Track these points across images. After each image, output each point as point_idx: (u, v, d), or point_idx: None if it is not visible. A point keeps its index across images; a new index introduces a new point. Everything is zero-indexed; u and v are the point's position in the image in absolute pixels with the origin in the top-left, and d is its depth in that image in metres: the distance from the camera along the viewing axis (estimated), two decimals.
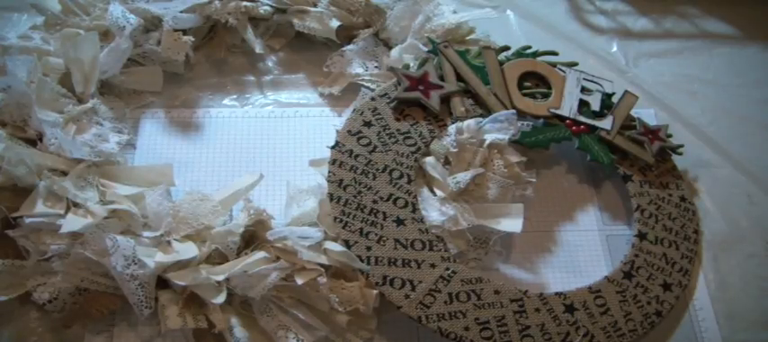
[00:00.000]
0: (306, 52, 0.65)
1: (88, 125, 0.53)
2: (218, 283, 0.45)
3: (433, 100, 0.55)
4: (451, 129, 0.54)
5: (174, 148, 0.57)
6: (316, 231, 0.48)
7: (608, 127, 0.58)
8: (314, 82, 0.63)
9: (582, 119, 0.58)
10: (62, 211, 0.46)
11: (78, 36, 0.54)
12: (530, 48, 0.62)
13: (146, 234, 0.47)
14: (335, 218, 0.49)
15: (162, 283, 0.46)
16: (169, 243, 0.47)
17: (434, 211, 0.50)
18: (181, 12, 0.58)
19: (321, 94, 0.62)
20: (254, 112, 0.60)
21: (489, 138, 0.53)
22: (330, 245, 0.47)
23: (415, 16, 0.62)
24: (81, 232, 0.45)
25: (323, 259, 0.46)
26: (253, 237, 0.48)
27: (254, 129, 0.59)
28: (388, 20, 0.62)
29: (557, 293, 0.49)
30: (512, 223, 0.51)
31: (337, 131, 0.54)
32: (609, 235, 0.56)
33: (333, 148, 0.52)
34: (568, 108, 0.58)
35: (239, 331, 0.45)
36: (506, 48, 0.62)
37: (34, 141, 0.50)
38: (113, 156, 0.52)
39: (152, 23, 0.59)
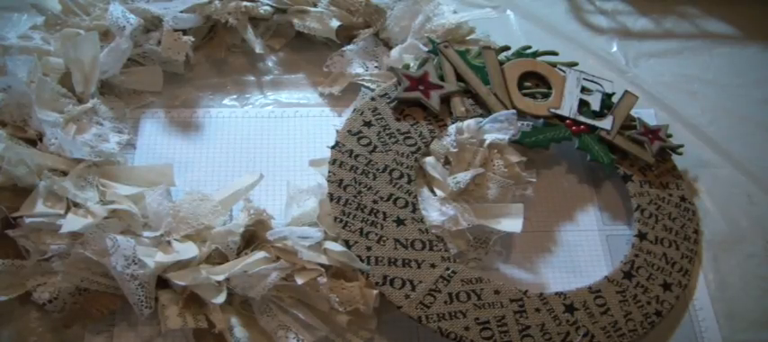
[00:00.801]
0: (306, 52, 0.65)
1: (88, 125, 0.53)
2: (219, 282, 0.45)
3: (434, 100, 0.55)
4: (451, 129, 0.54)
5: (174, 148, 0.57)
6: (316, 231, 0.48)
7: (608, 127, 0.58)
8: (314, 82, 0.63)
9: (582, 119, 0.58)
10: (62, 211, 0.46)
11: (78, 36, 0.54)
12: (530, 48, 0.62)
13: (146, 234, 0.47)
14: (335, 218, 0.49)
15: (162, 283, 0.46)
16: (169, 243, 0.47)
17: (434, 211, 0.50)
18: (181, 12, 0.58)
19: (321, 94, 0.62)
20: (254, 112, 0.60)
21: (489, 138, 0.53)
22: (330, 245, 0.47)
23: (415, 16, 0.62)
24: (81, 232, 0.45)
25: (323, 259, 0.46)
26: (253, 237, 0.48)
27: (255, 129, 0.59)
28: (388, 20, 0.62)
29: (557, 293, 0.49)
30: (512, 223, 0.51)
31: (337, 131, 0.54)
32: (609, 235, 0.56)
33: (333, 148, 0.52)
34: (568, 108, 0.58)
35: (239, 331, 0.45)
36: (506, 48, 0.62)
37: (34, 141, 0.50)
38: (113, 156, 0.52)
39: (152, 23, 0.59)
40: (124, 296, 0.44)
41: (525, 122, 0.57)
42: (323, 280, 0.45)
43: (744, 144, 0.63)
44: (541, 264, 0.54)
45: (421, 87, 0.56)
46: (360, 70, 0.61)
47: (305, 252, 0.46)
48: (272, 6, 0.62)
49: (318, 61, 0.62)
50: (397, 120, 0.55)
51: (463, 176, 0.51)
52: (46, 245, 0.45)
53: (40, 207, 0.46)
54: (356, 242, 0.48)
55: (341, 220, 0.48)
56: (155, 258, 0.44)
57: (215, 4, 0.60)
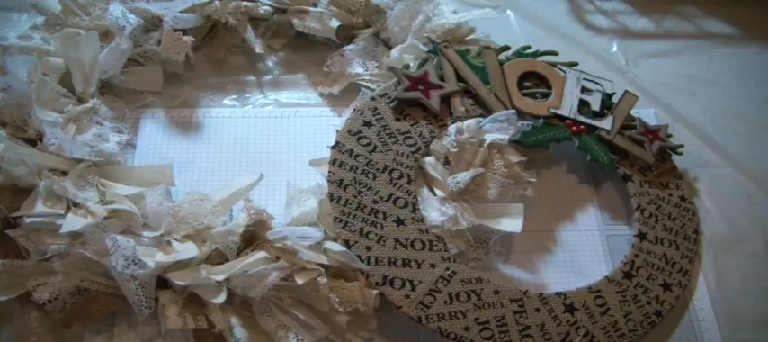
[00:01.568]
0: (306, 52, 0.65)
1: (88, 125, 0.53)
2: (219, 283, 0.45)
3: (433, 100, 0.55)
4: (451, 129, 0.54)
5: (174, 148, 0.57)
6: (316, 231, 0.48)
7: (608, 127, 0.58)
8: (314, 82, 0.63)
9: (582, 119, 0.58)
10: (62, 211, 0.46)
11: (78, 36, 0.54)
12: (530, 48, 0.62)
13: (146, 234, 0.47)
14: (335, 218, 0.49)
15: (162, 283, 0.46)
16: (169, 243, 0.47)
17: (434, 211, 0.50)
18: (181, 12, 0.58)
19: (321, 94, 0.62)
20: (254, 112, 0.60)
21: (489, 138, 0.53)
22: (330, 245, 0.47)
23: (415, 16, 0.62)
24: (81, 232, 0.45)
25: (323, 259, 0.46)
26: (253, 237, 0.48)
27: (255, 129, 0.59)
28: (388, 20, 0.62)
29: (557, 293, 0.49)
30: (512, 223, 0.51)
31: (337, 131, 0.54)
32: (609, 235, 0.56)
33: (333, 147, 0.52)
34: (568, 108, 0.58)
35: (239, 331, 0.45)
36: (506, 48, 0.62)
37: (34, 141, 0.50)
38: (113, 156, 0.52)
39: (152, 23, 0.59)
40: (124, 296, 0.44)
41: (525, 122, 0.57)
42: (323, 280, 0.45)
43: (744, 144, 0.63)
44: (541, 264, 0.54)
45: (421, 87, 0.56)
46: (360, 70, 0.61)
47: (305, 252, 0.46)
48: (272, 6, 0.62)
49: (318, 61, 0.62)
50: (397, 120, 0.55)
51: (463, 176, 0.51)
52: (46, 245, 0.45)
53: (40, 207, 0.46)
54: (356, 242, 0.48)
55: (341, 220, 0.48)
56: (155, 258, 0.44)
57: (215, 4, 0.60)
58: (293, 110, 0.60)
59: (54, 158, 0.49)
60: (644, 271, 0.51)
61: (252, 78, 0.63)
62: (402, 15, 0.62)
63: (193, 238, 0.47)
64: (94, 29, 0.56)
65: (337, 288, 0.46)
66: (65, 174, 0.49)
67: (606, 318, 0.49)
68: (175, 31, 0.57)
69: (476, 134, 0.53)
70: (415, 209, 0.50)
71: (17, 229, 0.46)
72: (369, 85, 0.60)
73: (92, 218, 0.46)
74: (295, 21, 0.62)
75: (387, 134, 0.54)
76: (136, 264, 0.44)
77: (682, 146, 0.59)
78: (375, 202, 0.50)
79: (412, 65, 0.59)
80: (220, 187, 0.52)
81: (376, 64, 0.61)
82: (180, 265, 0.46)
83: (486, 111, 0.56)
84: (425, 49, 0.60)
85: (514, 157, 0.54)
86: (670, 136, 0.60)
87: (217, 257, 0.47)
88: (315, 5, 0.62)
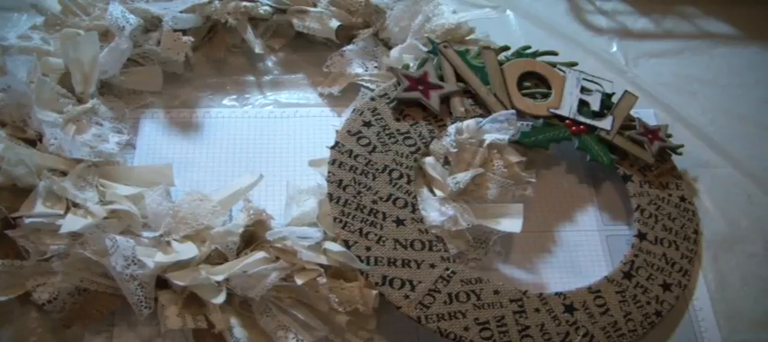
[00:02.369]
0: (305, 52, 0.65)
1: (88, 125, 0.53)
2: (218, 283, 0.45)
3: (433, 100, 0.55)
4: (451, 129, 0.54)
5: (174, 148, 0.57)
6: (315, 231, 0.48)
7: (608, 127, 0.58)
8: (314, 82, 0.63)
9: (582, 119, 0.57)
10: (62, 212, 0.46)
11: (78, 36, 0.54)
12: (529, 48, 0.62)
13: (145, 234, 0.47)
14: (335, 218, 0.49)
15: (162, 283, 0.46)
16: (169, 243, 0.47)
17: (434, 211, 0.50)
18: (180, 12, 0.58)
19: (321, 95, 0.62)
20: (253, 113, 0.60)
21: (489, 138, 0.53)
22: (330, 245, 0.47)
23: (414, 16, 0.62)
24: (81, 232, 0.45)
25: (322, 259, 0.46)
26: (252, 237, 0.48)
27: (254, 129, 0.59)
28: (387, 20, 0.62)
29: (556, 294, 0.49)
30: (511, 223, 0.51)
31: (337, 132, 0.54)
32: (609, 235, 0.56)
33: (332, 148, 0.52)
34: (568, 108, 0.58)
35: (239, 331, 0.45)
36: (506, 48, 0.62)
37: (34, 141, 0.50)
38: (113, 156, 0.52)
39: (152, 23, 0.59)
40: (124, 296, 0.44)
41: (525, 122, 0.57)
42: (322, 280, 0.45)
43: (744, 144, 0.63)
44: (541, 264, 0.54)
45: (420, 87, 0.56)
46: (359, 70, 0.61)
47: (304, 252, 0.46)
48: (271, 6, 0.62)
49: (318, 61, 0.62)
50: (397, 120, 0.55)
51: (463, 177, 0.51)
52: (45, 245, 0.45)
53: (40, 207, 0.46)
54: (356, 242, 0.48)
55: (340, 221, 0.48)
56: (154, 259, 0.44)
57: (215, 5, 0.60)
58: (293, 110, 0.60)
59: (54, 159, 0.49)
60: (644, 271, 0.51)
61: (251, 78, 0.63)
62: (402, 15, 0.62)
63: (193, 238, 0.47)
64: (94, 29, 0.56)
65: (337, 288, 0.46)
66: (64, 174, 0.48)
67: (606, 318, 0.49)
68: (175, 31, 0.57)
69: (475, 134, 0.53)
70: (414, 209, 0.50)
71: (17, 230, 0.46)
72: (368, 85, 0.60)
73: (91, 218, 0.46)
74: (295, 21, 0.62)
75: (386, 134, 0.54)
76: (135, 264, 0.44)
77: (681, 146, 0.59)
78: (375, 202, 0.50)
79: (411, 65, 0.59)
80: (220, 187, 0.52)
81: (375, 64, 0.61)
82: (179, 265, 0.46)
83: (486, 111, 0.56)
84: (425, 49, 0.60)
85: (514, 158, 0.54)
86: (670, 136, 0.60)
87: (216, 258, 0.47)
88: (314, 5, 0.62)
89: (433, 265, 0.48)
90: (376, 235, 0.48)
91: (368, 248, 0.48)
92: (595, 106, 0.59)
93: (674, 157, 0.59)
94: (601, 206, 0.58)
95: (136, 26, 0.55)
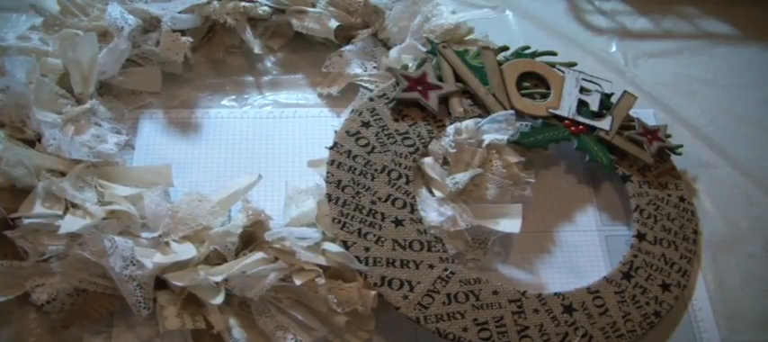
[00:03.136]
0: (304, 53, 0.65)
1: (87, 126, 0.53)
2: (217, 283, 0.45)
3: (432, 100, 0.55)
4: (450, 129, 0.54)
5: (173, 148, 0.57)
6: (314, 232, 0.48)
7: (607, 127, 0.58)
8: (312, 82, 0.63)
9: (581, 119, 0.57)
10: (61, 212, 0.46)
11: (77, 37, 0.54)
12: (529, 48, 0.62)
13: (144, 235, 0.47)
14: (334, 218, 0.49)
15: (160, 283, 0.46)
16: (167, 244, 0.47)
17: (433, 211, 0.50)
18: (179, 12, 0.58)
19: (320, 95, 0.62)
20: (252, 113, 0.60)
21: (488, 138, 0.53)
22: (328, 245, 0.47)
23: (413, 16, 0.62)
24: (79, 233, 0.45)
25: (321, 260, 0.46)
26: (251, 237, 0.48)
27: (253, 129, 0.59)
28: (386, 20, 0.62)
29: (555, 294, 0.49)
30: (510, 224, 0.51)
31: (336, 132, 0.54)
32: (608, 235, 0.56)
33: (331, 148, 0.52)
34: (567, 108, 0.58)
35: (238, 332, 0.45)
36: (505, 48, 0.62)
37: (33, 142, 0.50)
38: (112, 156, 0.52)
39: (151, 24, 0.59)
40: (122, 297, 0.44)
41: (524, 123, 0.57)
42: (321, 281, 0.45)
43: (743, 144, 0.63)
44: (540, 264, 0.54)
45: (419, 88, 0.55)
46: (358, 71, 0.61)
47: (303, 253, 0.46)
48: (270, 7, 0.62)
49: (317, 62, 0.62)
50: (396, 120, 0.55)
51: (462, 177, 0.51)
52: (44, 246, 0.45)
53: (39, 208, 0.46)
54: (354, 243, 0.48)
55: (339, 221, 0.48)
56: (153, 259, 0.44)
57: (213, 5, 0.60)
58: (292, 110, 0.60)
59: (52, 159, 0.49)
60: (643, 271, 0.51)
61: (250, 79, 0.63)
62: (401, 16, 0.62)
63: (192, 238, 0.47)
64: (93, 29, 0.56)
65: (335, 289, 0.46)
66: (63, 174, 0.48)
67: (605, 318, 0.49)
68: (174, 31, 0.57)
69: (474, 135, 0.53)
70: (413, 209, 0.50)
71: (15, 230, 0.46)
72: (367, 85, 0.60)
73: (90, 219, 0.46)
74: (294, 21, 0.62)
75: (385, 135, 0.54)
76: (134, 265, 0.44)
77: (681, 146, 0.59)
78: (373, 202, 0.50)
79: (410, 65, 0.59)
80: (219, 188, 0.52)
81: (374, 64, 0.61)
82: (178, 265, 0.46)
83: (485, 111, 0.56)
84: (424, 49, 0.60)
85: (513, 158, 0.54)
86: (669, 136, 0.60)
87: (215, 258, 0.47)
88: (313, 6, 0.62)
89: (431, 266, 0.48)
90: (375, 235, 0.48)
91: (367, 249, 0.48)
92: (594, 106, 0.59)
93: (674, 158, 0.59)
94: (600, 206, 0.57)
95: (135, 27, 0.55)
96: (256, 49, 0.61)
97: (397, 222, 0.49)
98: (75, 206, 0.47)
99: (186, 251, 0.46)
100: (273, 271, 0.45)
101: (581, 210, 0.57)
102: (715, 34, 0.72)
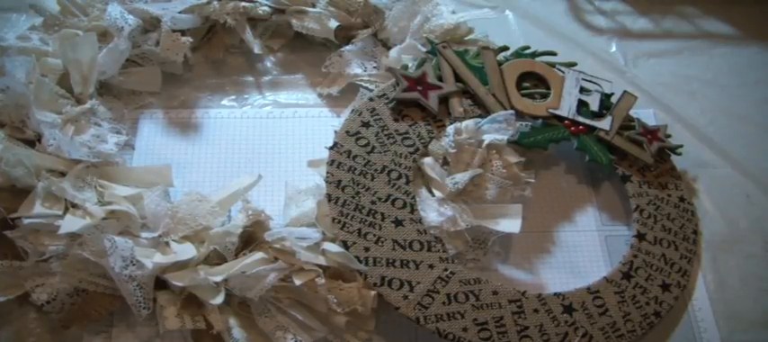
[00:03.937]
0: (304, 53, 0.65)
1: (87, 126, 0.53)
2: (217, 283, 0.45)
3: (432, 100, 0.55)
4: (450, 129, 0.54)
5: (173, 148, 0.57)
6: (314, 232, 0.48)
7: (607, 127, 0.58)
8: (312, 82, 0.63)
9: (581, 119, 0.57)
10: (60, 212, 0.46)
11: (77, 37, 0.54)
12: (528, 48, 0.62)
13: (144, 235, 0.47)
14: (334, 218, 0.49)
15: (160, 283, 0.46)
16: (167, 244, 0.47)
17: (433, 211, 0.50)
18: (179, 12, 0.58)
19: (320, 95, 0.62)
20: (252, 113, 0.60)
21: (488, 138, 0.53)
22: (328, 245, 0.47)
23: (413, 17, 0.62)
24: (79, 233, 0.45)
25: (321, 260, 0.46)
26: (251, 237, 0.48)
27: (253, 129, 0.59)
28: (386, 20, 0.62)
29: (555, 294, 0.49)
30: (510, 224, 0.51)
31: (336, 132, 0.54)
32: (608, 235, 0.56)
33: (331, 148, 0.52)
34: (567, 108, 0.58)
35: (238, 332, 0.45)
36: (505, 48, 0.62)
37: (33, 142, 0.50)
38: (112, 156, 0.52)
39: (150, 24, 0.59)
40: (122, 297, 0.44)
41: (524, 123, 0.57)
42: (321, 281, 0.45)
43: (743, 144, 0.63)
44: (540, 264, 0.54)
45: (419, 88, 0.55)
46: (358, 71, 0.61)
47: (303, 253, 0.46)
48: (270, 7, 0.62)
49: (317, 62, 0.62)
50: (396, 120, 0.55)
51: (461, 177, 0.51)
52: (44, 246, 0.45)
53: (39, 208, 0.46)
54: (354, 243, 0.48)
55: (339, 221, 0.48)
56: (153, 259, 0.44)
57: (213, 5, 0.60)
58: (292, 110, 0.60)
59: (52, 159, 0.49)
60: (643, 271, 0.51)
61: (250, 79, 0.63)
62: (400, 16, 0.62)
63: (192, 238, 0.47)
64: (93, 29, 0.56)
65: (335, 289, 0.46)
66: (63, 174, 0.49)
67: (605, 318, 0.49)
68: (174, 31, 0.57)
69: (474, 135, 0.53)
70: (413, 209, 0.50)
71: (15, 230, 0.46)
72: (367, 85, 0.60)
73: (90, 219, 0.46)
74: (294, 21, 0.62)
75: (385, 135, 0.53)
76: (134, 265, 0.44)
77: (681, 146, 0.59)
78: (373, 202, 0.50)
79: (410, 65, 0.59)
80: (219, 188, 0.52)
81: (374, 64, 0.61)
82: (178, 265, 0.46)
83: (485, 111, 0.56)
84: (424, 49, 0.60)
85: (513, 158, 0.54)
86: (669, 136, 0.60)
87: (215, 258, 0.47)
88: (313, 6, 0.62)
89: (431, 266, 0.48)
90: (375, 235, 0.48)
91: (366, 249, 0.48)
92: (594, 106, 0.59)
93: (674, 158, 0.59)
94: (600, 206, 0.57)
95: (135, 27, 0.56)
96: (256, 50, 0.61)
97: (397, 222, 0.49)
98: (75, 206, 0.47)
99: (186, 251, 0.46)
100: (273, 271, 0.45)
101: (581, 210, 0.57)
102: (715, 34, 0.72)
